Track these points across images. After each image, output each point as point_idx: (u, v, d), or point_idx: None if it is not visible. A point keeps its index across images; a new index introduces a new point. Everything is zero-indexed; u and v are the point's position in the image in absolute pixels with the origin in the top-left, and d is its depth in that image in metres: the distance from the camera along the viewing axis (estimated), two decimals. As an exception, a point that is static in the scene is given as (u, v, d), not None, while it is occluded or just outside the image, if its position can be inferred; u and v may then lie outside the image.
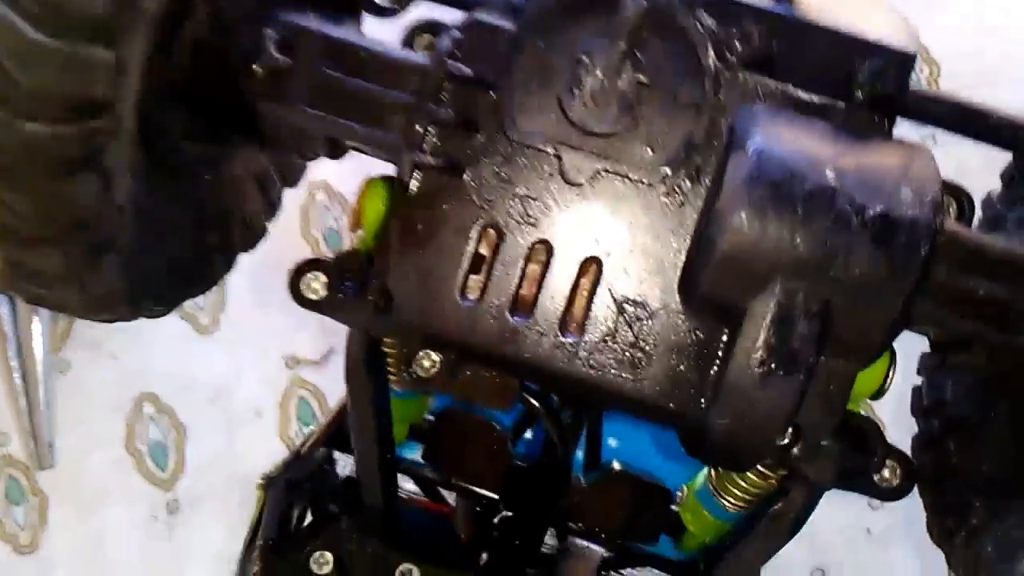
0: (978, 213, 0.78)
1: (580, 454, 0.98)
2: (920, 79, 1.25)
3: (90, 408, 1.29)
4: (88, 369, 1.30)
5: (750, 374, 0.56)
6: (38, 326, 1.22)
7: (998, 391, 0.71)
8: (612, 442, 0.99)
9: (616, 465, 0.94)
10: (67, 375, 1.29)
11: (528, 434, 0.92)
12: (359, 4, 0.72)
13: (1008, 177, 0.77)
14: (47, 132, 0.50)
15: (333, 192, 1.28)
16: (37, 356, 1.22)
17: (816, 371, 0.57)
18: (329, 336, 1.23)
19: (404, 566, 0.76)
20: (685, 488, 0.92)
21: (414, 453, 0.97)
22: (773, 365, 0.55)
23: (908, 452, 0.82)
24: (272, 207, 0.82)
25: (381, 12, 0.74)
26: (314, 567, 0.76)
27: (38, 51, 0.48)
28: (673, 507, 0.94)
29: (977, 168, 0.80)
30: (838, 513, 1.11)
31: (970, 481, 0.72)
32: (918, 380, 0.87)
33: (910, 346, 0.67)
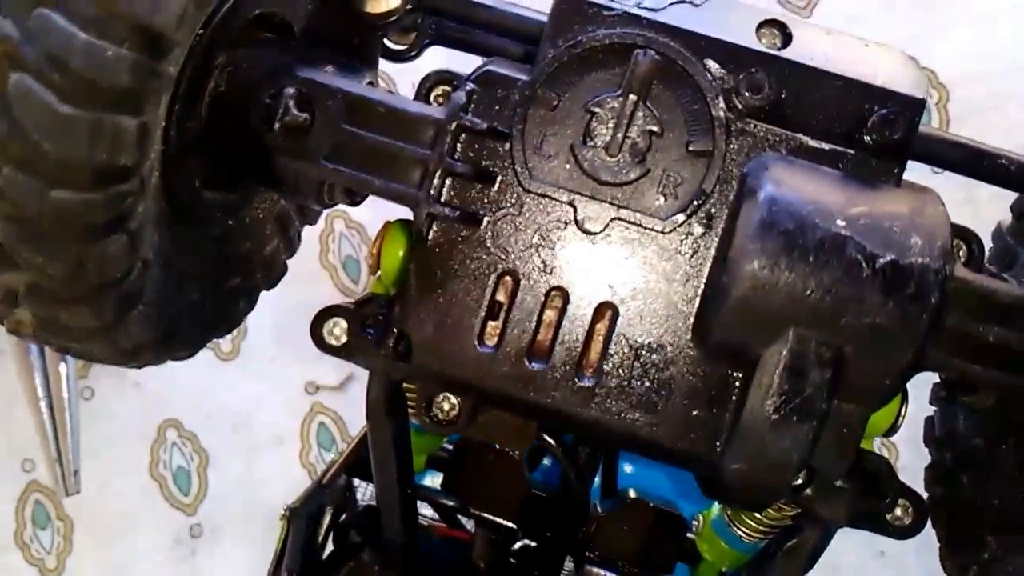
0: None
1: (597, 480, 1.00)
2: (929, 104, 1.26)
3: (114, 434, 1.31)
4: (112, 396, 1.31)
5: (764, 420, 0.57)
6: (63, 356, 1.24)
7: (1008, 429, 0.71)
8: (628, 468, 0.99)
9: (632, 493, 0.95)
10: (92, 402, 1.31)
11: (546, 461, 0.94)
12: (375, 52, 0.73)
13: (1019, 211, 0.77)
14: (76, 199, 0.51)
15: (351, 221, 1.29)
16: (63, 383, 1.24)
17: (829, 415, 0.58)
18: (349, 363, 1.23)
19: None
20: (701, 517, 0.92)
21: (433, 480, 0.98)
22: (786, 412, 0.56)
23: (922, 481, 0.83)
24: (291, 245, 0.83)
25: (397, 57, 0.75)
26: None
27: (65, 122, 0.50)
28: (689, 535, 0.95)
29: (987, 197, 0.80)
30: (851, 535, 1.11)
31: (983, 516, 0.72)
32: (931, 409, 0.87)
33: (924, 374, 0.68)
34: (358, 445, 0.96)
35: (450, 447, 0.96)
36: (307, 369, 1.28)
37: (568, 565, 0.95)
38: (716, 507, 0.90)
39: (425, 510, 1.00)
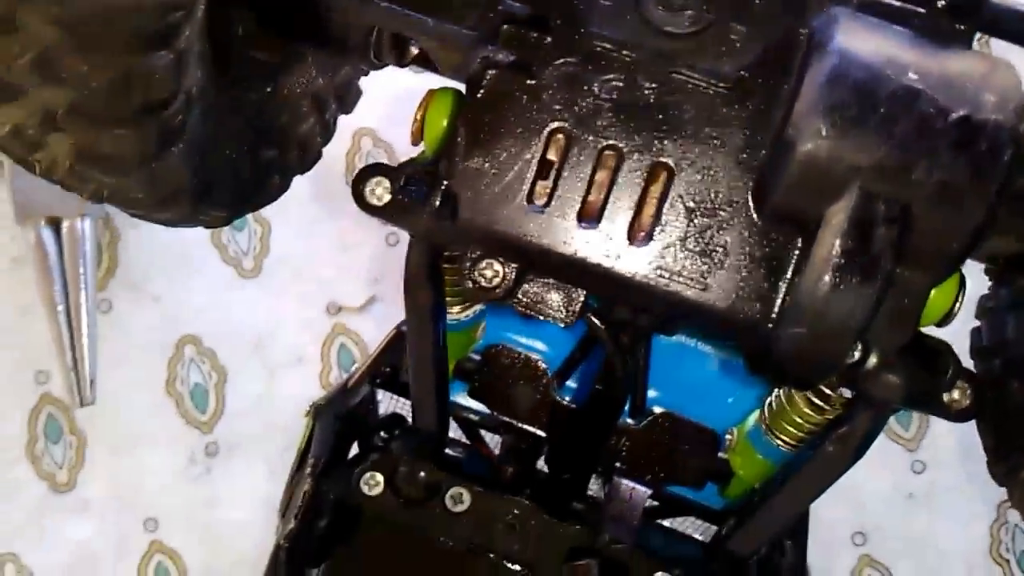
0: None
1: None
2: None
3: (131, 349, 1.29)
4: (130, 310, 1.29)
5: (825, 282, 0.54)
6: (83, 263, 1.22)
7: None
8: (653, 392, 0.97)
9: (660, 409, 0.93)
10: (109, 315, 1.29)
11: (571, 383, 0.92)
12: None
13: None
14: (129, 2, 0.49)
15: (378, 139, 1.27)
16: (81, 293, 1.22)
17: (893, 281, 0.55)
18: (371, 284, 1.22)
19: (455, 489, 0.76)
20: (734, 431, 0.90)
21: (459, 394, 0.96)
22: (849, 272, 0.54)
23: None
24: (327, 130, 0.82)
25: None
26: (364, 488, 0.75)
27: None
28: (720, 453, 0.92)
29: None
30: (879, 477, 1.09)
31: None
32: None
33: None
34: (383, 352, 0.94)
35: (477, 357, 0.94)
36: (329, 289, 1.26)
37: (596, 483, 0.93)
38: (751, 419, 0.88)
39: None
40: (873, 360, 0.58)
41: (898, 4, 0.58)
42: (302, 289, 1.26)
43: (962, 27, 0.59)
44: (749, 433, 0.87)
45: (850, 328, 0.55)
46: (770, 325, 0.58)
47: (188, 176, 0.60)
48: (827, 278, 0.54)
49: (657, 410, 0.92)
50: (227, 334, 1.27)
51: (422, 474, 0.75)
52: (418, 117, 0.67)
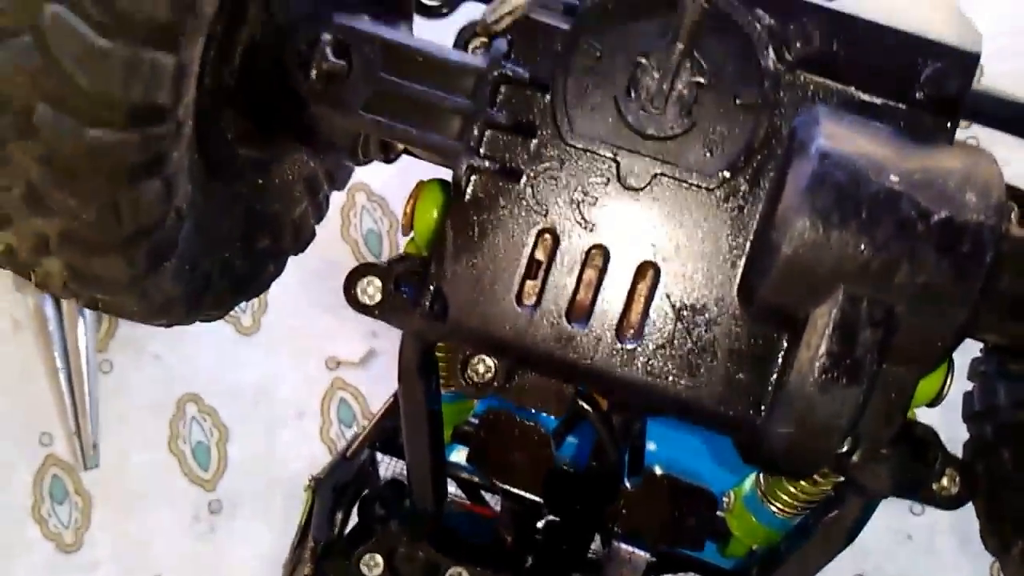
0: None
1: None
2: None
3: (133, 408, 1.30)
4: (131, 369, 1.30)
5: (812, 382, 0.55)
6: (83, 326, 1.23)
7: None
8: (652, 447, 0.98)
9: (659, 470, 0.94)
10: (110, 375, 1.30)
11: (572, 439, 0.92)
12: (409, 5, 0.71)
13: None
14: (112, 138, 0.50)
15: (372, 194, 1.27)
16: (82, 356, 1.23)
17: (879, 379, 0.56)
18: (370, 338, 1.23)
19: (453, 569, 0.76)
20: (732, 494, 0.91)
21: (458, 455, 0.96)
22: (835, 374, 0.54)
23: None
24: (320, 210, 0.82)
25: (431, 13, 0.74)
26: (364, 569, 0.76)
27: (102, 57, 0.48)
28: (719, 513, 0.93)
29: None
30: (879, 518, 1.09)
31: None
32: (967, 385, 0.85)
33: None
34: (383, 418, 0.94)
35: (476, 420, 0.95)
36: (328, 344, 1.27)
37: (596, 544, 0.93)
38: (748, 483, 0.88)
39: (450, 487, 0.99)
40: (862, 452, 0.59)
41: (879, 101, 0.59)
42: (301, 345, 1.27)
43: (943, 119, 0.59)
44: (746, 497, 0.87)
45: (837, 427, 0.56)
46: (758, 422, 0.58)
47: (181, 288, 0.61)
48: (813, 380, 0.55)
49: (657, 471, 0.93)
50: (228, 391, 1.28)
51: (421, 555, 0.76)
52: (407, 210, 0.68)
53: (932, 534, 1.19)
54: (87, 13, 0.48)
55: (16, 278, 1.22)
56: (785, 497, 0.81)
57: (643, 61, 0.59)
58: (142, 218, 0.54)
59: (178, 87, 0.52)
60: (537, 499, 0.88)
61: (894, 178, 0.54)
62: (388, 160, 0.68)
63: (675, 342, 0.59)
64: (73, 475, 1.29)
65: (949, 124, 0.59)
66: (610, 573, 0.90)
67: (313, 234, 0.83)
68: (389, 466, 0.98)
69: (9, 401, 1.30)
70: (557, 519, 0.89)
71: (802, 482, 0.78)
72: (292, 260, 0.83)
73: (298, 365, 1.29)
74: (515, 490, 0.89)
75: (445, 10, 0.72)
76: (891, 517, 1.04)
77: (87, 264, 0.55)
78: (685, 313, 0.59)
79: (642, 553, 0.91)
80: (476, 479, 0.96)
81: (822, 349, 0.55)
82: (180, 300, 0.62)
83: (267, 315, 1.27)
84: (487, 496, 0.99)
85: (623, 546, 0.91)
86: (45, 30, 0.48)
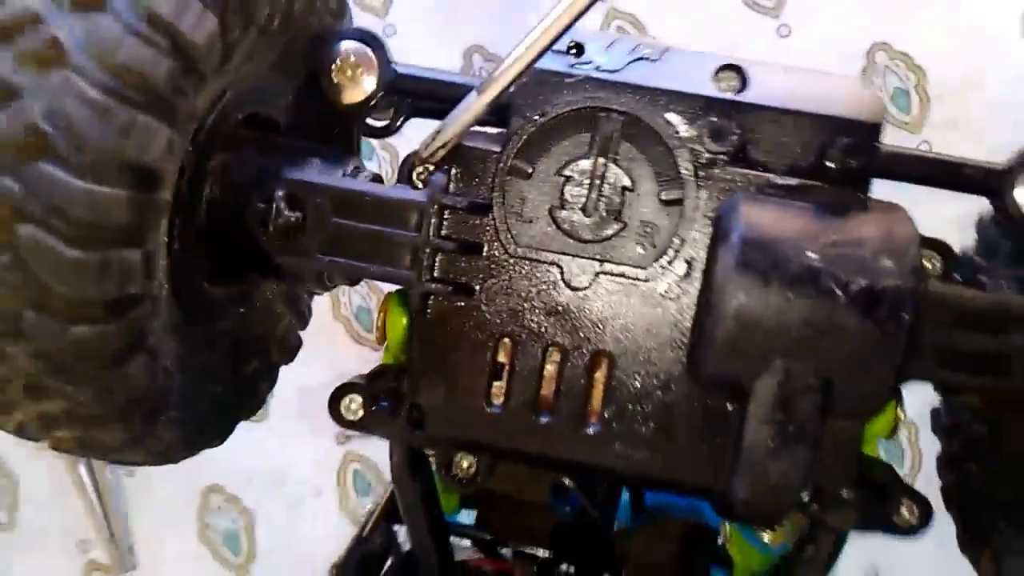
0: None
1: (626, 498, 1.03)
2: (907, 86, 1.27)
3: (161, 506, 1.35)
4: (153, 471, 1.36)
5: (762, 449, 0.60)
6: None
7: (1005, 422, 0.73)
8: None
9: (661, 509, 0.98)
10: (135, 479, 1.36)
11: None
12: (357, 135, 0.76)
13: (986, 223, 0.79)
14: (94, 332, 0.55)
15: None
16: (105, 467, 1.29)
17: (825, 434, 0.60)
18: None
19: None
20: (728, 526, 0.95)
21: (470, 516, 1.01)
22: (783, 439, 0.59)
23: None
24: (303, 319, 0.87)
25: (379, 134, 0.78)
26: None
27: (75, 265, 0.53)
28: (720, 541, 0.97)
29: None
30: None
31: (993, 501, 0.74)
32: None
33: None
34: (392, 495, 0.99)
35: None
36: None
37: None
38: (741, 516, 0.93)
39: (465, 542, 1.04)
40: (823, 500, 0.63)
41: (794, 181, 0.63)
42: (310, 425, 1.32)
43: (856, 188, 0.63)
44: (740, 528, 0.92)
45: (792, 484, 0.60)
46: (721, 488, 0.63)
47: (179, 434, 0.66)
48: (764, 446, 0.60)
49: (660, 508, 0.98)
50: (247, 478, 1.33)
51: None
52: (379, 324, 0.73)
53: (939, 524, 1.22)
54: (56, 229, 0.52)
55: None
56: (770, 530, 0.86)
57: (571, 174, 0.63)
58: (133, 390, 0.59)
59: (148, 272, 0.57)
60: (543, 552, 0.93)
61: (812, 255, 0.59)
62: (352, 284, 0.73)
63: (636, 423, 0.64)
64: (114, 577, 1.35)
65: (862, 191, 0.64)
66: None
67: (300, 342, 0.87)
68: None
69: (46, 516, 1.35)
70: (569, 568, 0.94)
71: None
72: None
73: (310, 444, 1.34)
74: (521, 546, 0.94)
75: (392, 129, 0.77)
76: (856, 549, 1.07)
77: (90, 434, 0.60)
78: (642, 395, 0.64)
79: (652, 594, 0.96)
80: (488, 537, 1.01)
81: (767, 418, 0.59)
82: (179, 443, 0.67)
83: (274, 400, 1.32)
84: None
85: (632, 590, 0.96)
86: (20, 249, 0.53)
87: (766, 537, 0.88)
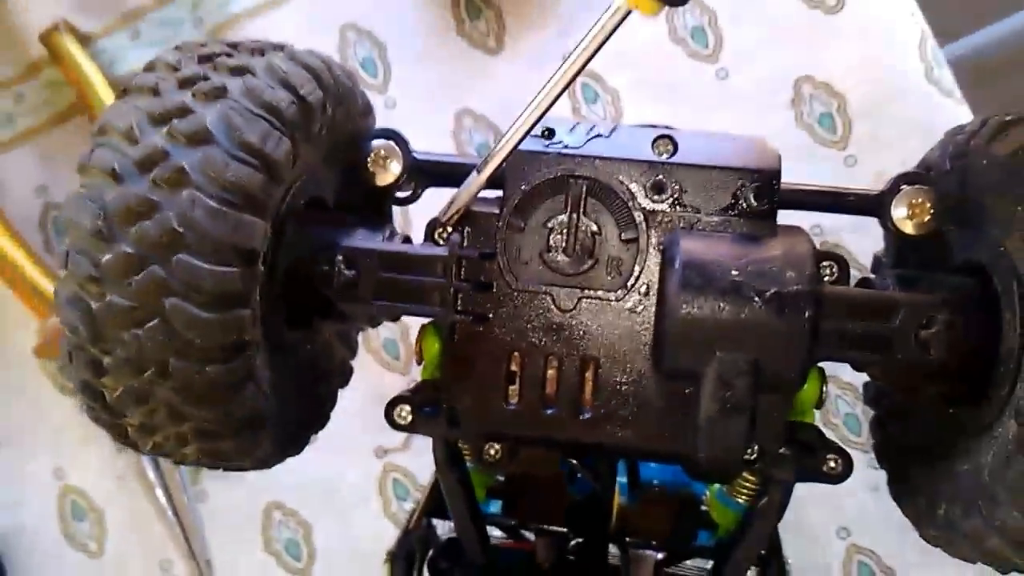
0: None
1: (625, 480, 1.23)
2: (830, 110, 1.48)
3: (231, 525, 1.53)
4: (222, 493, 1.55)
5: (712, 419, 0.80)
6: (177, 469, 1.49)
7: (915, 390, 0.93)
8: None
9: (653, 483, 1.19)
10: (207, 503, 1.55)
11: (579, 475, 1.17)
12: (390, 206, 0.98)
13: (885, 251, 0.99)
14: (220, 369, 0.74)
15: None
16: (181, 493, 1.48)
17: (759, 407, 0.81)
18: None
19: None
20: (708, 492, 1.16)
21: (495, 507, 1.21)
22: (724, 411, 0.79)
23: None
24: (353, 350, 1.07)
25: (403, 203, 1.00)
26: None
27: (206, 324, 0.70)
28: (704, 508, 1.18)
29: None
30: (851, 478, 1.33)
31: (909, 455, 0.91)
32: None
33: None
34: (430, 493, 1.19)
35: (502, 478, 1.20)
36: (374, 438, 1.50)
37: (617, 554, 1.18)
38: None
39: (494, 532, 1.24)
40: (764, 457, 0.84)
41: (718, 218, 0.84)
42: (352, 443, 1.50)
43: (764, 220, 0.84)
44: (717, 494, 1.12)
45: (737, 445, 0.80)
46: (688, 452, 0.83)
47: (275, 446, 0.86)
48: (712, 417, 0.80)
49: (653, 483, 1.18)
50: (303, 493, 1.51)
51: None
52: (417, 349, 0.94)
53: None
54: (191, 299, 0.73)
55: (114, 443, 1.48)
56: (740, 489, 1.06)
57: (552, 226, 0.85)
58: (245, 411, 0.79)
59: (254, 324, 0.78)
60: (561, 529, 1.13)
61: (735, 272, 0.79)
62: (394, 321, 0.94)
63: (619, 408, 0.84)
64: (196, 591, 1.53)
65: (770, 220, 0.85)
66: (630, 573, 1.14)
67: (352, 369, 1.08)
68: (444, 528, 1.23)
69: (130, 541, 1.53)
70: (581, 540, 1.14)
71: (747, 476, 1.03)
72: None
73: (353, 460, 1.51)
74: (542, 526, 1.14)
75: (413, 198, 0.98)
76: (856, 474, 1.27)
77: (214, 446, 0.80)
78: (622, 386, 0.84)
79: (651, 553, 1.16)
80: (512, 522, 1.21)
81: (713, 396, 0.79)
82: (275, 453, 0.87)
83: (320, 425, 1.52)
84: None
85: (637, 551, 1.16)
86: (167, 315, 0.73)
87: (739, 498, 1.08)
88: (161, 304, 0.72)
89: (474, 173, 0.83)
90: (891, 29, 1.44)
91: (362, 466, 1.49)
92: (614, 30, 0.75)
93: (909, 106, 1.41)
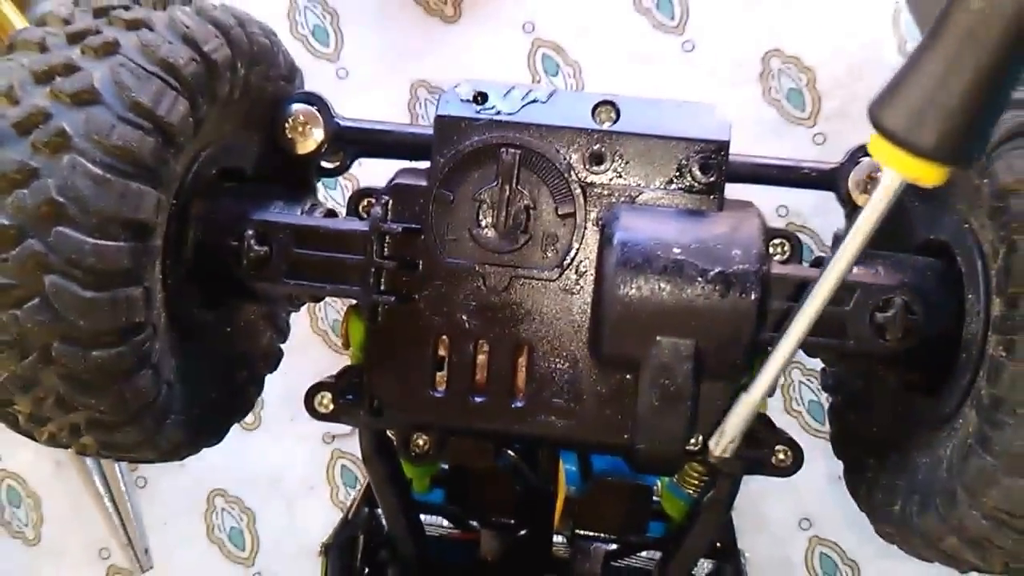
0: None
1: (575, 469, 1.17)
2: (799, 86, 1.41)
3: (171, 512, 1.48)
4: (162, 480, 1.49)
5: (652, 409, 0.73)
6: (115, 455, 1.42)
7: (874, 377, 0.86)
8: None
9: (604, 474, 1.12)
10: (146, 488, 1.48)
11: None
12: (313, 178, 0.90)
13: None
14: (110, 354, 0.67)
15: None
16: (119, 479, 1.41)
17: (701, 395, 0.74)
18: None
19: None
20: (659, 483, 1.09)
21: (440, 498, 1.15)
22: (664, 400, 0.73)
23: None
24: (283, 334, 1.00)
25: (331, 174, 0.92)
26: None
27: (91, 304, 0.64)
28: (656, 499, 1.12)
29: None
30: (809, 469, 1.28)
31: (866, 443, 0.85)
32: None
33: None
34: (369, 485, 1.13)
35: (446, 467, 1.14)
36: (321, 424, 1.46)
37: (565, 545, 1.12)
38: (669, 474, 1.07)
39: (443, 522, 1.18)
40: (709, 447, 0.77)
41: (662, 192, 0.77)
42: (300, 429, 1.45)
43: (712, 193, 0.77)
44: (668, 485, 1.06)
45: (677, 436, 0.74)
46: (626, 444, 0.77)
47: (184, 435, 0.79)
48: (652, 406, 0.73)
49: (604, 474, 1.12)
50: (247, 481, 1.46)
51: None
52: (342, 332, 0.86)
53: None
54: (73, 276, 0.66)
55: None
56: (690, 480, 1.00)
57: (483, 199, 0.77)
58: (143, 398, 0.72)
59: (149, 304, 0.71)
60: (508, 520, 1.07)
61: (677, 251, 0.72)
62: (317, 301, 0.87)
63: (553, 397, 0.77)
64: (134, 578, 1.47)
65: (718, 193, 0.78)
66: (577, 567, 1.08)
67: (281, 353, 1.01)
68: None
69: (67, 528, 1.47)
70: (528, 532, 1.07)
71: (696, 467, 0.96)
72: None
73: (300, 446, 1.46)
74: (488, 517, 1.07)
75: (342, 170, 0.91)
76: (819, 465, 1.22)
77: (110, 437, 0.74)
78: (556, 374, 0.77)
79: (601, 545, 1.10)
80: (460, 511, 1.15)
81: (653, 383, 0.73)
82: (184, 443, 0.80)
83: (265, 410, 1.45)
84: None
85: (585, 543, 1.10)
86: (47, 294, 0.66)
87: (689, 490, 1.02)
88: (41, 282, 0.65)
89: (743, 394, 0.72)
90: (864, 1, 1.37)
91: (309, 453, 1.44)
92: (889, 208, 0.63)
93: (881, 81, 1.33)
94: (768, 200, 1.23)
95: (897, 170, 0.60)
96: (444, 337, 0.78)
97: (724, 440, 0.73)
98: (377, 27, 1.43)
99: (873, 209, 0.63)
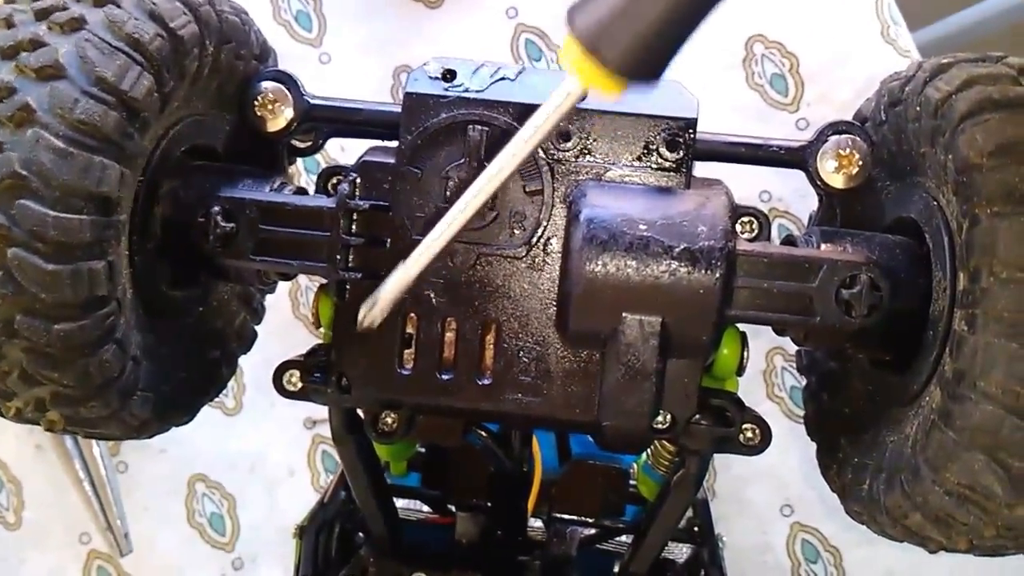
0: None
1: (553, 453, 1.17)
2: (782, 71, 1.41)
3: (151, 497, 1.48)
4: (143, 465, 1.48)
5: (617, 386, 0.73)
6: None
7: (848, 358, 0.87)
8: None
9: (581, 457, 1.13)
10: (126, 473, 1.48)
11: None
12: (283, 156, 0.90)
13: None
14: (73, 327, 0.67)
15: (313, 277, 1.46)
16: (99, 463, 1.42)
17: (667, 372, 0.74)
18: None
19: (417, 575, 0.95)
20: (635, 465, 1.10)
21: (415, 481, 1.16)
22: (630, 376, 0.73)
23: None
24: (257, 314, 1.00)
25: (302, 153, 0.92)
26: None
27: (53, 276, 0.65)
28: (632, 482, 1.12)
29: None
30: (789, 455, 1.30)
31: (839, 424, 0.85)
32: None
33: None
34: None
35: (423, 450, 1.14)
36: (302, 408, 1.45)
37: (542, 528, 1.12)
38: (644, 455, 1.07)
39: (421, 506, 1.18)
40: (676, 425, 0.77)
41: (628, 169, 0.77)
42: (280, 414, 1.45)
43: (679, 170, 0.77)
44: (643, 466, 1.06)
45: (642, 412, 0.74)
46: (593, 421, 0.77)
47: (151, 412, 0.79)
48: (617, 383, 0.73)
49: (580, 456, 1.12)
50: (227, 466, 1.46)
51: (387, 569, 0.95)
52: (312, 311, 0.87)
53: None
54: (36, 249, 0.66)
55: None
56: (663, 461, 1.00)
57: (450, 176, 0.77)
58: (107, 373, 0.72)
59: (112, 278, 0.71)
60: (484, 503, 1.07)
61: (643, 227, 0.72)
62: (287, 280, 0.87)
63: (521, 375, 0.77)
64: (114, 562, 1.47)
65: (685, 170, 0.78)
66: (552, 549, 1.09)
67: (255, 335, 1.00)
68: None
69: (48, 513, 1.47)
70: (503, 515, 1.08)
71: (668, 446, 0.97)
72: (258, 343, 1.00)
73: (281, 431, 1.46)
74: (463, 500, 1.08)
75: (313, 149, 0.91)
76: (800, 451, 1.22)
77: (76, 412, 0.74)
78: (524, 351, 0.77)
79: (578, 528, 1.11)
80: (437, 494, 1.15)
81: (618, 361, 0.73)
82: (152, 420, 0.80)
83: (246, 395, 1.45)
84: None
85: (561, 526, 1.10)
86: (9, 267, 0.66)
87: (662, 471, 1.03)
88: (4, 254, 0.66)
89: (400, 265, 0.74)
90: (847, -14, 1.37)
91: (290, 438, 1.44)
92: (567, 112, 0.67)
93: (864, 66, 1.34)
94: (750, 186, 1.24)
95: (580, 77, 0.64)
96: (412, 315, 0.78)
97: (376, 310, 0.74)
98: (360, 12, 1.43)
99: (547, 108, 0.67)
